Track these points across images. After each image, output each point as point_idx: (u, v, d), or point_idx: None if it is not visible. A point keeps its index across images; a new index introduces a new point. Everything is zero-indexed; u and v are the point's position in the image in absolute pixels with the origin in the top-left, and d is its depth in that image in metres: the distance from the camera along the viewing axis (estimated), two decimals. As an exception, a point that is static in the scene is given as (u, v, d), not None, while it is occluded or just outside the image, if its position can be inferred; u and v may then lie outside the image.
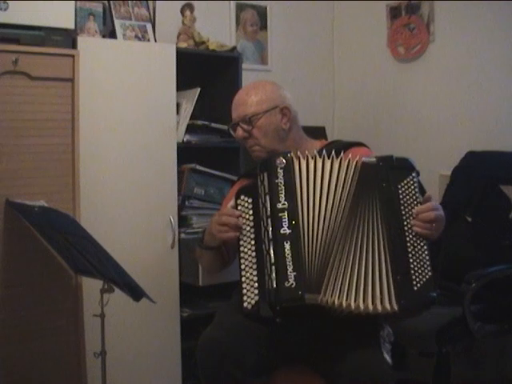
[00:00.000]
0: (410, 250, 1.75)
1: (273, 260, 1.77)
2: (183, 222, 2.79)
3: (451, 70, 3.18)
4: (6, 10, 2.25)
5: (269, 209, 1.81)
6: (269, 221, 1.80)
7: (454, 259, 2.75)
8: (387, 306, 1.71)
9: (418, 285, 1.72)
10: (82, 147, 2.40)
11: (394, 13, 3.42)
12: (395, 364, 1.85)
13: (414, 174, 1.82)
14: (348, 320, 1.79)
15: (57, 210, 2.14)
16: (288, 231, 1.78)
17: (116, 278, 2.01)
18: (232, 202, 1.94)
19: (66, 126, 2.36)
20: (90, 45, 2.49)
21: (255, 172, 1.91)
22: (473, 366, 2.66)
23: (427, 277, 1.73)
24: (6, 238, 2.24)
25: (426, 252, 1.76)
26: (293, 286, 1.72)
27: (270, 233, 1.79)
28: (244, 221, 1.89)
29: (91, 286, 2.23)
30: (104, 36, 2.71)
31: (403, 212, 1.78)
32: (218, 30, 3.29)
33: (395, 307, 1.71)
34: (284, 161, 1.84)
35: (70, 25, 2.41)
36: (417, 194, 1.80)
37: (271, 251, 1.77)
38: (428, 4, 3.24)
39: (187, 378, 2.74)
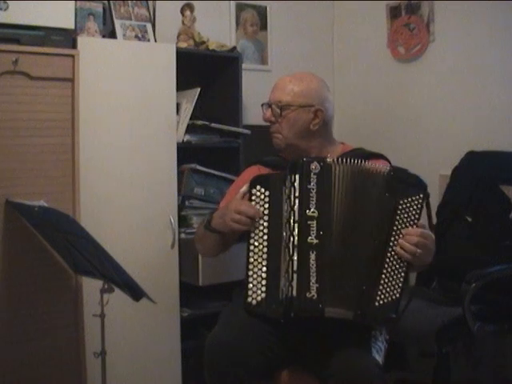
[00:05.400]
0: (386, 266, 1.72)
1: (295, 267, 1.71)
2: (183, 221, 2.79)
3: (451, 70, 3.18)
4: (6, 10, 2.25)
5: (297, 214, 1.74)
6: (295, 226, 1.74)
7: (454, 259, 2.76)
8: (343, 311, 1.71)
9: (381, 301, 1.70)
10: (81, 147, 2.40)
11: (394, 13, 3.41)
12: (394, 364, 1.84)
13: (421, 195, 1.75)
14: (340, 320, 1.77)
15: (57, 209, 2.14)
16: (315, 241, 1.73)
17: (116, 278, 2.01)
18: (245, 188, 1.87)
19: (65, 126, 2.36)
20: (90, 45, 2.49)
21: (280, 165, 1.84)
22: (473, 366, 2.66)
23: (393, 297, 1.70)
24: (6, 237, 2.24)
25: (403, 274, 1.71)
26: (314, 297, 1.69)
27: (296, 239, 1.73)
28: None
29: (91, 286, 2.23)
30: (104, 36, 2.71)
31: (395, 228, 1.73)
32: (218, 30, 3.29)
33: (350, 315, 1.71)
34: (319, 166, 1.77)
35: (70, 25, 2.41)
36: (417, 216, 1.74)
37: (295, 258, 1.72)
38: (428, 4, 3.24)
39: (187, 378, 2.74)
